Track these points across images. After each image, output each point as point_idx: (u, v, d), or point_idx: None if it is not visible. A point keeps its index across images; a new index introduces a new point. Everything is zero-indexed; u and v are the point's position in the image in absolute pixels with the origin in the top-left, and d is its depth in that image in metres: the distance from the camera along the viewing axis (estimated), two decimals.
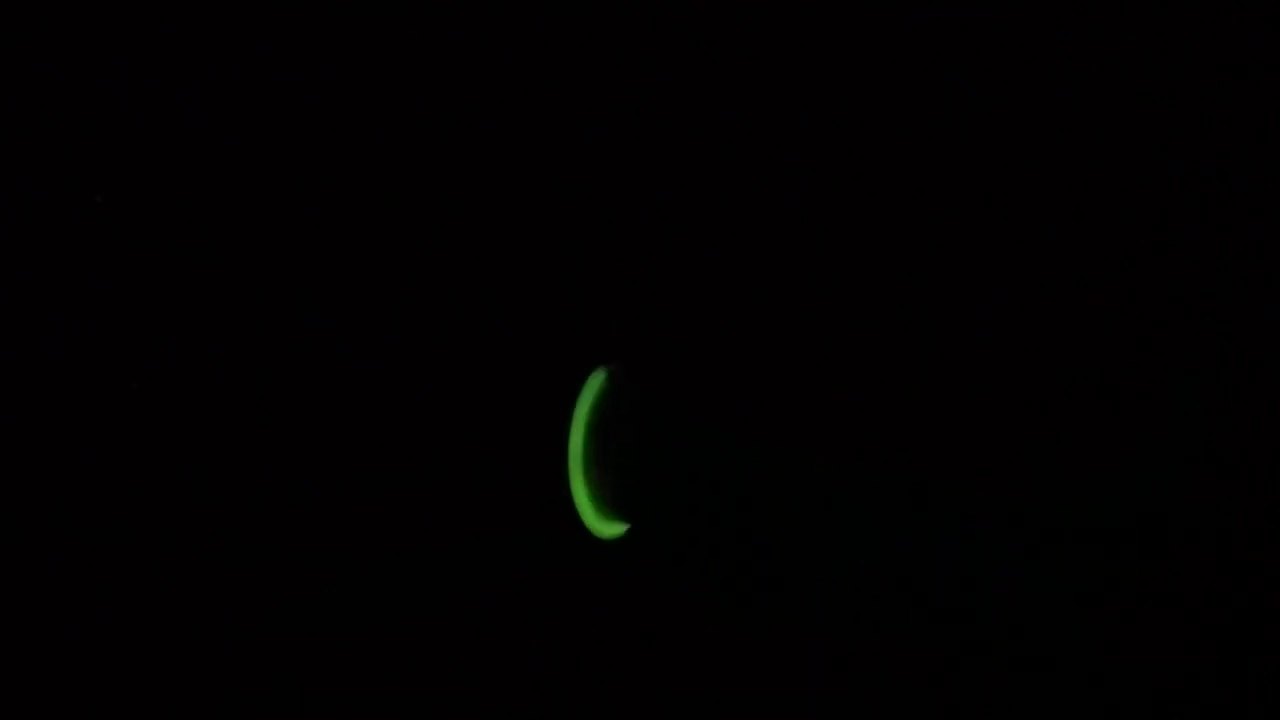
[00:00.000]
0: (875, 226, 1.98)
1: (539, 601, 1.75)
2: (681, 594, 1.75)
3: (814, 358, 1.85)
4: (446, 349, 1.94)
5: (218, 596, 1.77)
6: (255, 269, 2.00)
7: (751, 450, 1.70)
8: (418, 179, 2.03)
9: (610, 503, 1.68)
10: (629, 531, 1.71)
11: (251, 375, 1.95)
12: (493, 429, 1.82)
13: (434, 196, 2.02)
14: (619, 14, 2.02)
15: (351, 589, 1.78)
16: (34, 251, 2.00)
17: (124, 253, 2.00)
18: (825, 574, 1.71)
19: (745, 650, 1.70)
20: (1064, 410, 1.83)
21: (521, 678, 1.70)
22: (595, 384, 1.69)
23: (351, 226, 2.01)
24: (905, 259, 1.96)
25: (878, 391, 1.87)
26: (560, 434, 1.74)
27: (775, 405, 1.81)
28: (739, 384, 1.81)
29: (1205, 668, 1.63)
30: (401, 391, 1.93)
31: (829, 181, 2.00)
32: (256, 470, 1.87)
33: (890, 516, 1.67)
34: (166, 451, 1.89)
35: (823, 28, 2.01)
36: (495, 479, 1.82)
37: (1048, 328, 1.90)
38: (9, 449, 1.90)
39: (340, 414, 1.92)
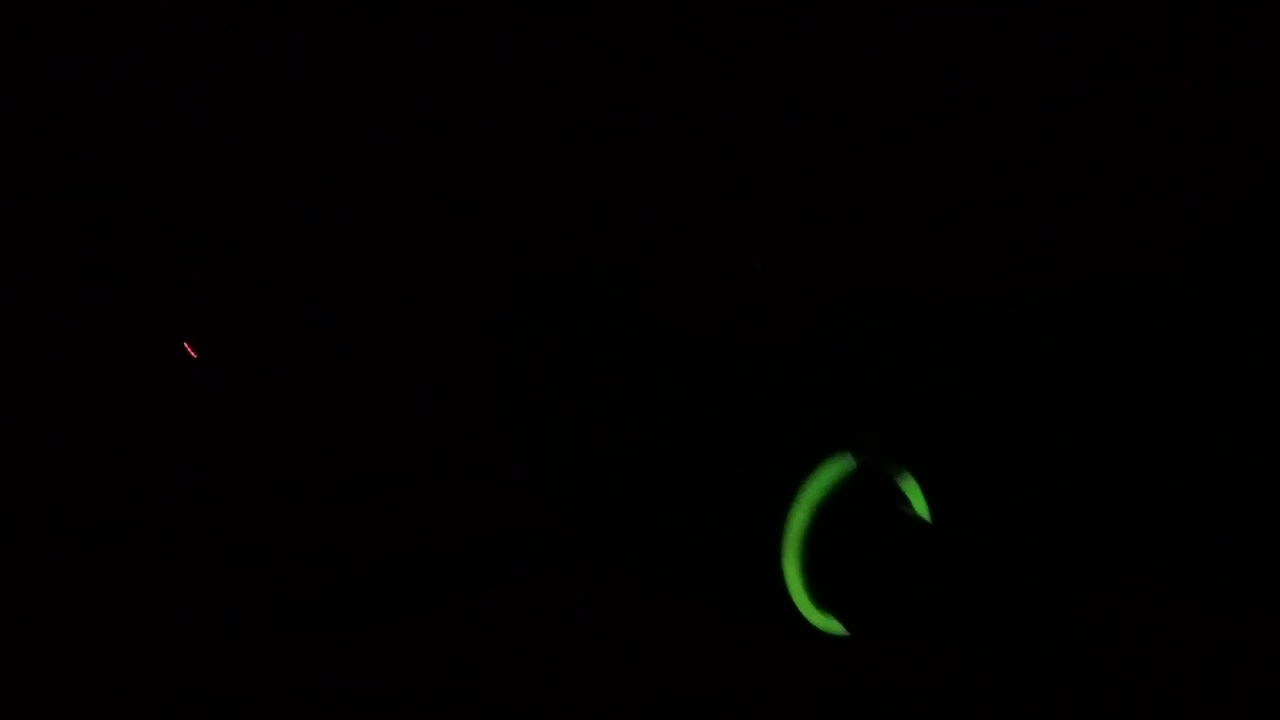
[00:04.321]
0: (875, 227, 1.98)
1: (539, 602, 1.76)
2: (681, 595, 1.76)
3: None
4: (446, 349, 1.94)
5: (218, 596, 1.77)
6: (255, 268, 2.00)
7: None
8: (418, 179, 2.03)
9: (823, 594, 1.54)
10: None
11: (251, 375, 1.95)
12: (491, 428, 1.82)
13: (434, 196, 2.02)
14: (619, 14, 2.03)
15: (351, 589, 1.78)
16: (34, 251, 2.00)
17: (123, 252, 2.00)
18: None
19: (745, 651, 1.70)
20: (1063, 413, 1.84)
21: (522, 677, 1.70)
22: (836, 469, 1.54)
23: (351, 226, 2.02)
24: (906, 259, 1.96)
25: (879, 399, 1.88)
26: (550, 436, 1.74)
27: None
28: None
29: (1204, 668, 1.64)
30: (402, 392, 1.93)
31: (828, 182, 2.00)
32: (256, 470, 1.88)
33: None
34: (166, 451, 1.90)
35: (822, 27, 2.02)
36: (495, 479, 1.83)
37: (1046, 329, 1.90)
38: (9, 449, 1.91)
39: (341, 414, 1.92)
